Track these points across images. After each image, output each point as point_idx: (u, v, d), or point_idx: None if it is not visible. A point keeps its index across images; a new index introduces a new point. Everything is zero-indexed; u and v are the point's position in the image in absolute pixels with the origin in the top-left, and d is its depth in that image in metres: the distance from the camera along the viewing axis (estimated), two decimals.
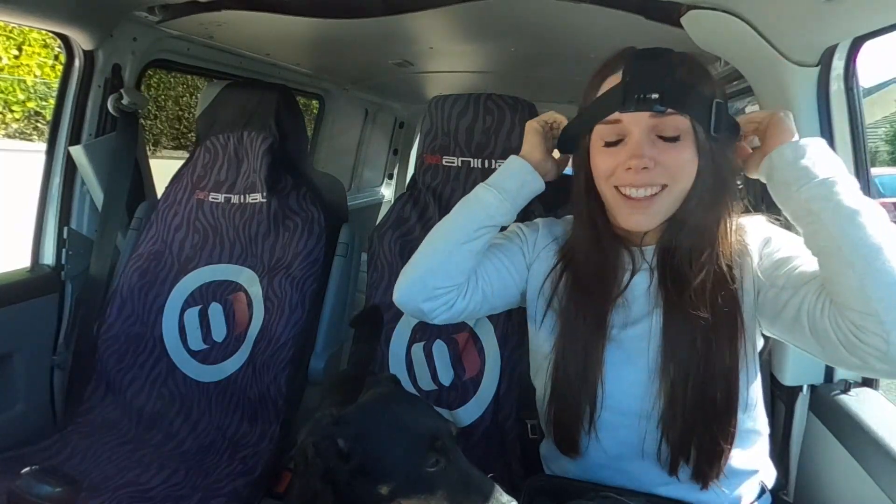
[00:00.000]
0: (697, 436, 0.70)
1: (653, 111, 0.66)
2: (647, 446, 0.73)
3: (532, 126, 0.80)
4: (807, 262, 0.66)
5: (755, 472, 0.76)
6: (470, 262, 0.77)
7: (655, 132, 0.67)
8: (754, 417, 0.74)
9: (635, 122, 0.68)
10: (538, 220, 0.87)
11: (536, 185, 0.79)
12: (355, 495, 0.61)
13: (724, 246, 0.70)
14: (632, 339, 0.74)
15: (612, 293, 0.74)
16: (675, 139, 0.67)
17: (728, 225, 0.70)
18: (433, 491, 0.60)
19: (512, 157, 0.80)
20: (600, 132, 0.71)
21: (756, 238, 0.73)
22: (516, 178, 0.78)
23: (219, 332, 1.28)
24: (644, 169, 0.67)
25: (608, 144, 0.70)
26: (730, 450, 0.69)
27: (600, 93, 0.71)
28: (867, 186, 0.91)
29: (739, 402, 0.69)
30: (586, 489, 0.75)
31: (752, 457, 0.75)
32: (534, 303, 0.82)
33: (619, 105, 0.67)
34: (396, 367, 1.19)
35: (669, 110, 0.65)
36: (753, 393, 0.73)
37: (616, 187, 0.70)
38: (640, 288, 0.75)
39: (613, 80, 0.69)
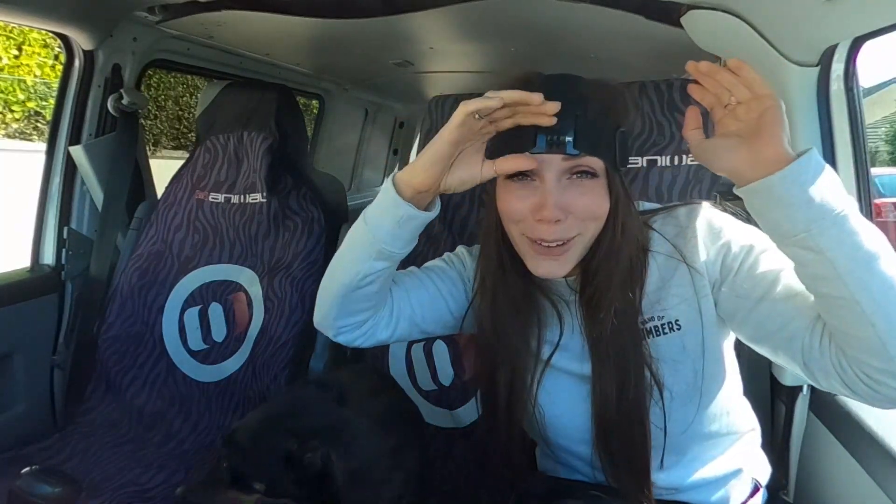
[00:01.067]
0: (621, 465, 0.69)
1: (565, 154, 0.60)
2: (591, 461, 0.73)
3: (448, 128, 0.62)
4: (785, 278, 0.60)
5: (738, 470, 0.75)
6: (369, 301, 0.70)
7: (569, 172, 0.62)
8: (728, 423, 0.72)
9: (547, 165, 0.61)
10: (458, 255, 0.81)
11: (420, 220, 0.67)
12: None
13: (634, 270, 0.66)
14: (572, 366, 0.71)
15: (532, 339, 0.71)
16: (588, 183, 0.62)
17: (636, 245, 0.66)
18: None
19: (385, 189, 0.66)
20: (507, 167, 0.63)
21: (701, 235, 0.66)
22: (388, 216, 0.66)
23: (219, 332, 1.28)
24: (557, 221, 0.61)
25: (514, 178, 0.64)
26: (647, 471, 0.68)
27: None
28: (867, 186, 0.91)
29: (707, 413, 0.69)
30: (578, 489, 0.75)
31: (732, 457, 0.74)
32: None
33: (529, 144, 0.60)
34: (396, 367, 1.19)
35: (583, 153, 0.60)
36: (723, 402, 0.70)
37: (527, 236, 0.64)
38: (569, 318, 0.71)
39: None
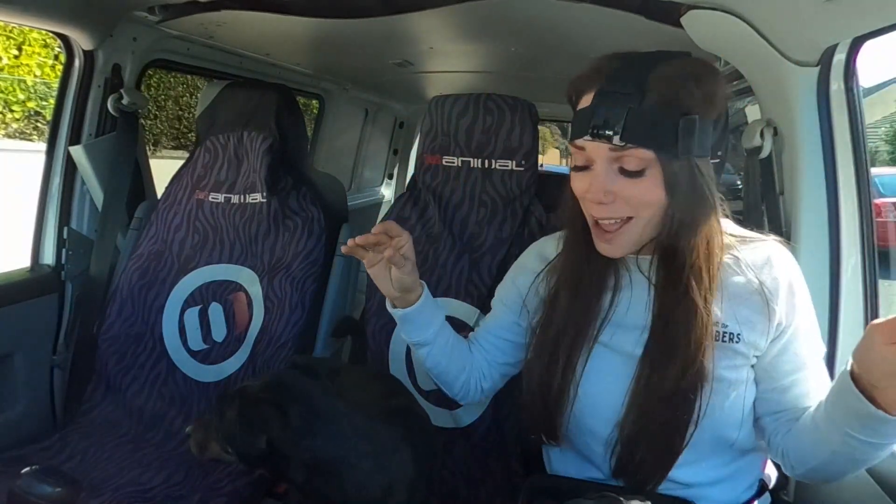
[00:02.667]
0: (642, 447, 0.70)
1: (612, 145, 0.63)
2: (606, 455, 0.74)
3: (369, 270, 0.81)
4: (808, 379, 0.69)
5: (749, 473, 0.76)
6: (446, 376, 0.86)
7: (617, 164, 0.64)
8: (750, 432, 0.73)
9: (597, 153, 0.65)
10: (527, 253, 0.88)
11: (408, 315, 0.81)
12: None
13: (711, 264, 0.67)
14: (622, 346, 0.73)
15: (595, 311, 0.74)
16: (638, 173, 0.64)
17: (713, 242, 0.67)
18: None
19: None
20: (573, 152, 0.69)
21: (784, 287, 0.69)
22: (400, 327, 0.84)
23: (219, 332, 1.28)
24: (606, 202, 0.66)
25: (577, 168, 0.69)
26: (667, 470, 0.70)
27: (578, 107, 0.69)
28: (867, 186, 0.91)
29: (728, 418, 0.69)
30: (586, 489, 0.75)
31: (746, 462, 0.75)
32: (532, 298, 0.83)
33: (582, 131, 0.65)
34: (396, 367, 1.19)
35: (630, 145, 0.62)
36: (748, 412, 0.72)
37: (590, 214, 0.70)
38: (638, 294, 0.73)
39: (587, 99, 0.67)
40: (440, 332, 0.84)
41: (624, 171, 0.64)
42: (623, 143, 0.62)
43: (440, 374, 0.87)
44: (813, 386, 0.69)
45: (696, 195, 0.65)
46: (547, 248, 0.84)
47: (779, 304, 0.68)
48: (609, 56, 0.67)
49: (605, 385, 0.73)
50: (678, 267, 0.67)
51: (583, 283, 0.74)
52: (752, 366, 0.70)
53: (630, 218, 0.66)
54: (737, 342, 0.69)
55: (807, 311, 0.71)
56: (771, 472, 0.80)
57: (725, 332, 0.69)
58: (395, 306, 0.82)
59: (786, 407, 0.69)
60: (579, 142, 0.66)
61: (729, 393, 0.69)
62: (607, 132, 0.62)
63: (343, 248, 0.78)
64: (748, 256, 0.70)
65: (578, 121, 0.66)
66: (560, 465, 0.83)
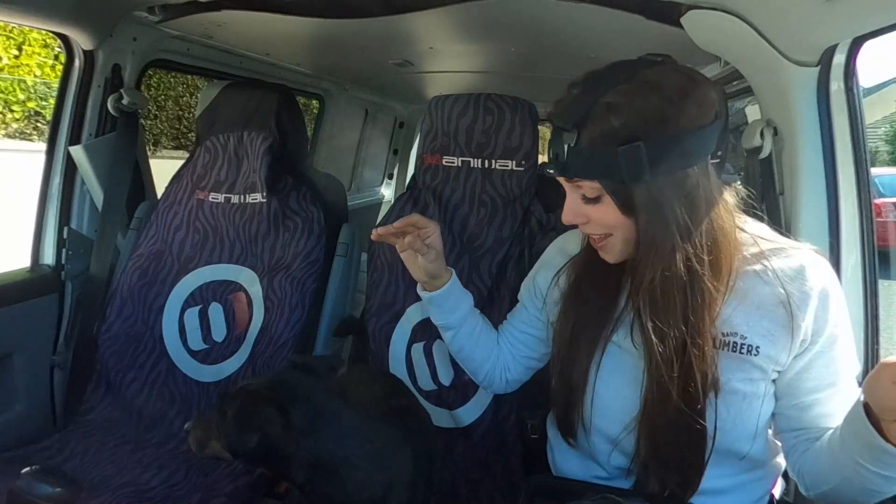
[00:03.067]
0: (664, 460, 0.69)
1: (561, 177, 0.68)
2: (637, 459, 0.73)
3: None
4: (832, 398, 0.67)
5: (759, 485, 0.75)
6: (472, 362, 0.92)
7: (579, 191, 0.68)
8: (763, 445, 0.72)
9: (562, 181, 0.69)
10: (551, 248, 0.90)
11: (434, 299, 0.89)
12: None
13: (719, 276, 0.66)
14: (631, 347, 0.73)
15: (609, 308, 0.74)
16: (595, 200, 0.67)
17: (695, 250, 0.64)
18: None
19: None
20: None
21: (815, 298, 0.66)
22: (427, 309, 0.92)
23: (219, 332, 1.28)
24: (581, 224, 0.70)
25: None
26: (699, 479, 0.69)
27: None
28: (867, 186, 0.91)
29: (740, 431, 0.69)
30: (586, 489, 0.75)
31: (757, 475, 0.75)
32: (552, 297, 0.84)
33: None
34: (396, 367, 1.19)
35: (575, 178, 0.66)
36: (762, 426, 0.71)
37: None
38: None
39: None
40: (466, 319, 0.90)
41: (584, 198, 0.68)
42: (568, 177, 0.66)
43: (465, 360, 0.93)
44: (837, 406, 0.66)
45: (656, 217, 0.63)
46: (570, 242, 0.85)
47: (805, 319, 0.66)
48: (573, 82, 0.68)
49: (616, 386, 0.73)
50: (640, 279, 0.67)
51: (599, 280, 0.75)
52: (774, 380, 0.69)
53: (608, 234, 0.69)
54: (755, 355, 0.67)
55: (839, 327, 0.67)
56: (780, 484, 0.79)
57: (743, 344, 0.67)
58: (424, 290, 0.90)
59: (806, 425, 0.68)
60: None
61: (742, 406, 0.68)
62: (549, 170, 0.67)
63: (372, 235, 0.84)
64: (778, 265, 0.67)
65: (546, 150, 0.70)
66: (564, 464, 0.83)
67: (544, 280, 0.85)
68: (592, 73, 0.67)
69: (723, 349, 0.67)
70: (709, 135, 0.63)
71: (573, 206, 0.69)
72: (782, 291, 0.66)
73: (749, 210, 0.73)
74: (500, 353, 0.92)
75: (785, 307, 0.66)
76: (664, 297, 0.65)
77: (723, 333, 0.67)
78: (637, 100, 0.62)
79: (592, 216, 0.68)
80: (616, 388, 0.73)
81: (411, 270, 0.88)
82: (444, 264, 0.87)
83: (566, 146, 0.64)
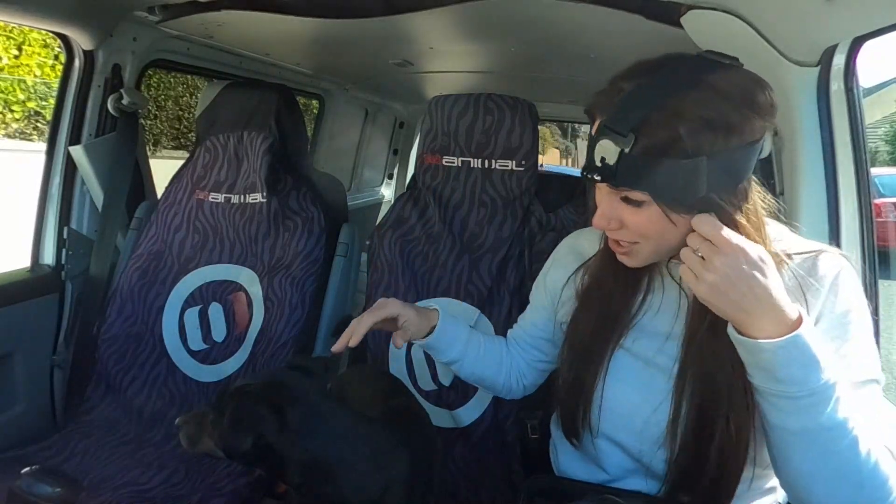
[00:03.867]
0: (701, 473, 0.65)
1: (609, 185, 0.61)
2: (651, 467, 0.71)
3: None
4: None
5: (769, 491, 0.74)
6: (486, 382, 0.91)
7: (618, 194, 0.62)
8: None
9: (598, 185, 0.64)
10: (560, 247, 0.88)
11: (432, 345, 0.86)
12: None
13: None
14: (643, 353, 0.72)
15: (623, 312, 0.73)
16: (638, 204, 0.61)
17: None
18: None
19: None
20: None
21: (826, 288, 0.63)
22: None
23: (219, 332, 1.28)
24: (611, 229, 0.65)
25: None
26: (735, 488, 0.65)
27: (593, 126, 0.65)
28: (867, 186, 0.91)
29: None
30: (586, 490, 0.75)
31: (767, 482, 0.73)
32: (565, 300, 0.83)
33: (584, 163, 0.63)
34: (396, 366, 1.19)
35: (623, 187, 0.60)
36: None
37: None
38: (668, 301, 0.71)
39: (595, 126, 0.63)
40: (468, 347, 0.87)
41: (626, 200, 0.62)
42: (616, 186, 0.60)
43: (479, 382, 0.92)
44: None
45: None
46: (581, 241, 0.84)
47: (815, 308, 0.63)
48: (629, 72, 0.62)
49: (625, 390, 0.72)
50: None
51: (615, 284, 0.73)
52: None
53: (637, 242, 0.65)
54: None
55: (851, 315, 0.63)
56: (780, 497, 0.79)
57: None
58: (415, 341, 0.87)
59: None
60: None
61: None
62: (596, 176, 0.60)
63: (334, 348, 0.79)
64: (796, 263, 0.64)
65: (587, 148, 0.63)
66: (567, 465, 0.83)
67: (556, 281, 0.84)
68: (645, 68, 0.60)
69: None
70: (763, 144, 0.60)
71: (609, 211, 0.63)
72: (797, 284, 0.63)
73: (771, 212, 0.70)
74: (513, 360, 0.90)
75: (797, 297, 0.62)
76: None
77: None
78: (706, 109, 0.56)
79: (630, 222, 0.63)
80: (624, 393, 0.72)
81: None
82: (422, 317, 0.84)
83: (619, 151, 0.57)
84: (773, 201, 0.66)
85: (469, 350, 0.87)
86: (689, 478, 0.68)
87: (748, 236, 0.58)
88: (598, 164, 0.59)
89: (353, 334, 0.77)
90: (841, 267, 0.65)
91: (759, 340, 0.54)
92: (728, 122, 0.56)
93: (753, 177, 0.62)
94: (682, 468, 0.68)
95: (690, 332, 0.66)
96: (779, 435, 0.58)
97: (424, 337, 0.85)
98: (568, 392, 0.77)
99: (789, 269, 0.64)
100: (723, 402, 0.63)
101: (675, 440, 0.67)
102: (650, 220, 0.61)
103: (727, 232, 0.55)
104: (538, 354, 0.90)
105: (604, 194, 0.64)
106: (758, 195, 0.63)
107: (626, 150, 0.57)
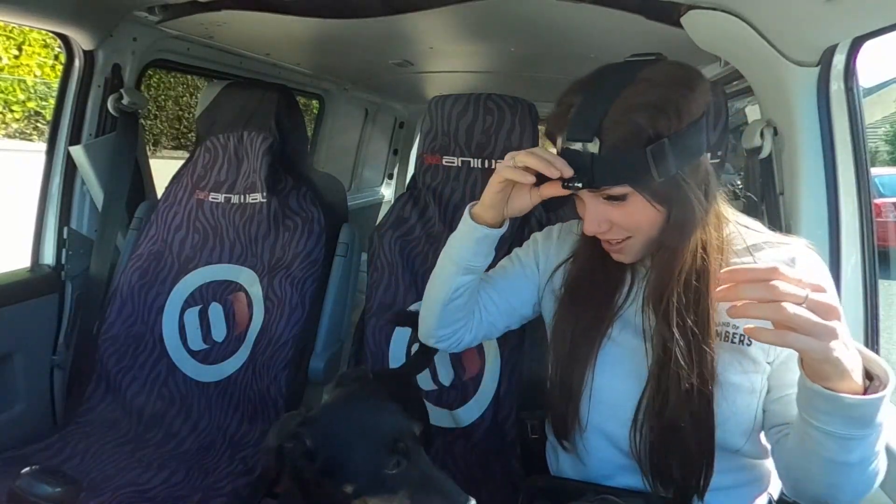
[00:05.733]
0: (672, 454, 0.68)
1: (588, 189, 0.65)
2: (637, 456, 0.72)
3: (497, 179, 0.72)
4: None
5: (756, 482, 0.75)
6: (461, 312, 0.82)
7: (601, 195, 0.66)
8: (756, 441, 0.71)
9: (583, 192, 0.67)
10: (564, 226, 0.88)
11: (493, 236, 0.76)
12: (322, 493, 0.63)
13: (710, 259, 0.66)
14: (629, 342, 0.73)
15: (608, 304, 0.74)
16: (621, 199, 0.65)
17: (708, 237, 0.67)
18: (395, 491, 0.61)
19: (464, 219, 0.78)
20: None
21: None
22: (469, 238, 0.77)
23: (219, 332, 1.28)
24: (601, 232, 0.68)
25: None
26: (709, 473, 0.68)
27: (556, 144, 0.68)
28: (867, 186, 0.91)
29: (735, 425, 0.68)
30: (586, 490, 0.75)
31: (754, 472, 0.74)
32: (547, 295, 0.83)
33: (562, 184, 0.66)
34: (396, 366, 1.19)
35: (604, 187, 0.64)
36: (758, 419, 0.70)
37: None
38: (641, 291, 0.74)
39: (560, 141, 0.67)
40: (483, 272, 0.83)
41: (609, 198, 0.66)
42: (597, 187, 0.64)
43: (454, 309, 0.82)
44: None
45: (685, 206, 0.64)
46: (560, 228, 0.86)
47: None
48: (571, 91, 0.67)
49: (613, 381, 0.73)
50: (670, 270, 0.67)
51: (603, 276, 0.75)
52: (769, 377, 0.68)
53: (629, 237, 0.68)
54: (748, 345, 0.67)
55: None
56: (778, 485, 0.79)
57: (735, 333, 0.68)
58: (484, 223, 0.76)
59: (789, 420, 0.66)
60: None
61: (736, 398, 0.67)
62: (576, 185, 0.64)
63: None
64: (771, 257, 0.68)
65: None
66: (565, 465, 0.83)
67: (551, 256, 0.84)
68: (584, 82, 0.66)
69: (717, 339, 0.67)
70: (709, 121, 0.65)
71: (596, 215, 0.67)
72: None
73: (750, 209, 0.73)
74: (476, 315, 0.86)
75: None
76: (685, 290, 0.66)
77: (717, 324, 0.67)
78: (650, 97, 0.61)
79: (617, 219, 0.67)
80: (612, 384, 0.73)
81: (508, 204, 0.74)
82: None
83: (590, 155, 0.62)
84: (731, 185, 0.72)
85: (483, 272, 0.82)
86: (663, 462, 0.69)
87: (706, 212, 0.65)
88: (575, 174, 0.64)
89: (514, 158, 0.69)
90: (817, 270, 0.69)
91: (867, 396, 0.53)
92: (675, 105, 0.61)
93: (736, 176, 0.65)
94: (656, 451, 0.69)
95: (655, 301, 0.69)
96: (834, 467, 0.58)
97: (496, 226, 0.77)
98: (558, 392, 0.77)
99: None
100: (683, 369, 0.65)
101: (650, 424, 0.69)
102: (636, 211, 0.65)
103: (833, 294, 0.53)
104: (497, 319, 0.86)
105: (587, 201, 0.68)
106: (713, 175, 0.67)
107: (596, 153, 0.62)
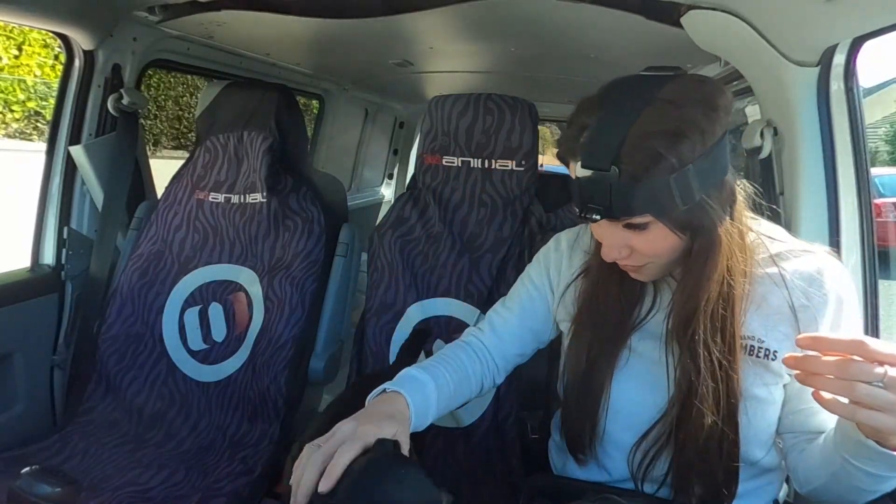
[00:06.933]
0: (698, 470, 0.67)
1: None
2: (654, 472, 0.71)
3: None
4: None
5: (763, 491, 0.75)
6: (459, 396, 0.77)
7: (621, 223, 0.62)
8: (773, 453, 0.71)
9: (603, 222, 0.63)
10: (563, 238, 0.85)
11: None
12: None
13: (735, 276, 0.63)
14: (649, 354, 0.72)
15: (628, 317, 0.72)
16: (643, 227, 0.61)
17: (734, 261, 0.63)
18: None
19: None
20: None
21: (832, 303, 0.65)
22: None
23: (219, 331, 1.28)
24: (620, 258, 0.65)
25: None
26: (733, 490, 0.67)
27: (569, 169, 0.64)
28: (867, 186, 0.91)
29: (756, 437, 0.68)
30: (586, 489, 0.75)
31: (769, 482, 0.74)
32: (561, 311, 0.82)
33: (576, 207, 0.63)
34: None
35: (623, 217, 0.60)
36: (772, 433, 0.70)
37: None
38: (664, 301, 0.71)
39: (573, 167, 0.62)
40: (439, 402, 0.73)
41: (629, 227, 0.62)
42: (616, 217, 0.60)
43: (457, 401, 0.78)
44: None
45: (710, 232, 0.61)
46: (585, 238, 0.82)
47: (823, 325, 0.64)
48: (583, 110, 0.62)
49: (632, 392, 0.72)
50: (696, 300, 0.64)
51: (620, 290, 0.72)
52: (785, 385, 0.68)
53: (648, 262, 0.65)
54: (772, 360, 0.66)
55: (852, 331, 0.66)
56: (784, 490, 0.79)
57: (761, 348, 0.66)
58: None
59: (809, 429, 0.67)
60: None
61: (758, 411, 0.66)
62: (594, 216, 0.60)
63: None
64: (793, 269, 0.66)
65: (573, 192, 0.63)
66: (567, 467, 0.83)
67: (560, 276, 0.81)
68: (597, 101, 0.61)
69: (742, 354, 0.66)
70: (730, 137, 0.63)
71: (616, 242, 0.63)
72: (800, 296, 0.65)
73: (758, 209, 0.72)
74: (485, 366, 0.82)
75: (803, 313, 0.65)
76: (711, 319, 0.63)
77: (742, 337, 0.65)
78: (672, 122, 0.57)
79: (638, 246, 0.63)
80: (631, 395, 0.72)
81: None
82: (394, 420, 0.64)
83: (608, 186, 0.58)
84: (756, 195, 0.68)
85: (441, 400, 0.73)
86: (685, 480, 0.68)
87: (728, 235, 0.62)
88: (592, 203, 0.60)
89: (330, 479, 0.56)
90: (843, 284, 0.67)
91: None
92: (699, 127, 0.57)
93: (731, 167, 0.64)
94: (677, 470, 0.68)
95: (679, 332, 0.67)
96: (862, 493, 0.59)
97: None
98: (574, 409, 0.75)
99: (791, 285, 0.65)
100: (709, 398, 0.64)
101: (673, 439, 0.68)
102: (657, 238, 0.62)
103: None
104: (519, 348, 0.84)
105: (605, 227, 0.64)
106: (739, 187, 0.65)
107: (615, 182, 0.57)
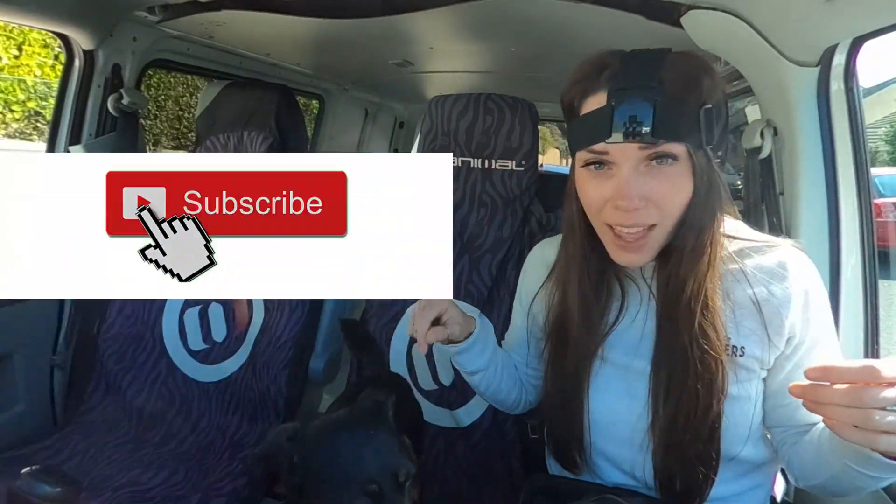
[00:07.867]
0: (680, 467, 0.67)
1: (642, 143, 0.59)
2: (643, 477, 0.71)
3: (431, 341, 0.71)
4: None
5: (758, 489, 0.74)
6: (501, 393, 0.84)
7: (646, 162, 0.61)
8: (757, 447, 0.71)
9: (623, 155, 0.61)
10: (529, 260, 0.86)
11: (455, 350, 0.78)
12: None
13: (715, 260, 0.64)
14: (620, 360, 0.72)
15: (598, 325, 0.71)
16: (670, 167, 0.61)
17: (716, 243, 0.64)
18: None
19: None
20: (583, 156, 0.65)
21: (798, 300, 0.64)
22: (457, 361, 0.81)
23: (219, 331, 1.28)
24: (634, 209, 0.61)
25: (592, 166, 0.64)
26: (711, 482, 0.67)
27: (583, 110, 0.65)
28: (867, 186, 0.91)
29: (736, 434, 0.67)
30: (586, 490, 0.75)
31: (755, 479, 0.73)
32: (533, 326, 0.83)
33: (605, 135, 0.60)
34: (397, 366, 1.19)
35: (662, 140, 0.59)
36: (755, 427, 0.69)
37: (607, 224, 0.65)
38: (635, 303, 0.71)
39: (596, 100, 0.62)
40: (493, 358, 0.80)
41: (653, 169, 0.61)
42: (656, 140, 0.59)
43: (493, 395, 0.85)
44: None
45: (713, 188, 0.62)
46: (547, 251, 0.82)
47: (790, 318, 0.64)
48: (607, 53, 0.64)
49: (609, 403, 0.72)
50: (683, 270, 0.64)
51: (587, 298, 0.71)
52: (764, 379, 0.68)
53: (653, 226, 0.63)
54: (741, 356, 0.65)
55: (823, 324, 0.66)
56: (780, 486, 0.79)
57: (728, 345, 0.65)
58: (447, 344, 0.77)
59: (797, 423, 0.67)
60: (601, 146, 0.62)
61: (734, 408, 0.66)
62: (641, 129, 0.58)
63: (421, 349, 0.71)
64: (758, 263, 0.66)
65: (593, 124, 0.62)
66: (563, 473, 0.83)
67: (528, 294, 0.82)
68: (620, 51, 0.64)
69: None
70: (727, 121, 0.65)
71: (638, 186, 0.60)
72: (764, 290, 0.64)
73: (749, 210, 0.72)
74: (521, 375, 0.86)
75: (766, 307, 0.64)
76: (698, 291, 0.63)
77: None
78: (694, 62, 0.62)
79: (656, 192, 0.61)
80: (608, 404, 0.72)
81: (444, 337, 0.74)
82: (465, 319, 0.76)
83: (653, 101, 0.58)
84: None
85: (492, 363, 0.80)
86: (671, 479, 0.68)
87: (719, 198, 0.63)
88: (630, 125, 0.59)
89: (421, 344, 0.70)
90: (808, 277, 0.67)
91: None
92: (712, 75, 0.62)
93: (736, 176, 0.65)
94: (664, 470, 0.68)
95: (660, 333, 0.67)
96: (858, 490, 0.61)
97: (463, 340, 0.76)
98: (558, 426, 0.76)
99: (754, 280, 0.65)
100: (692, 396, 0.64)
101: (656, 442, 0.68)
102: (676, 182, 0.61)
103: None
104: (534, 377, 0.86)
105: (629, 167, 0.61)
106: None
107: (659, 99, 0.58)
